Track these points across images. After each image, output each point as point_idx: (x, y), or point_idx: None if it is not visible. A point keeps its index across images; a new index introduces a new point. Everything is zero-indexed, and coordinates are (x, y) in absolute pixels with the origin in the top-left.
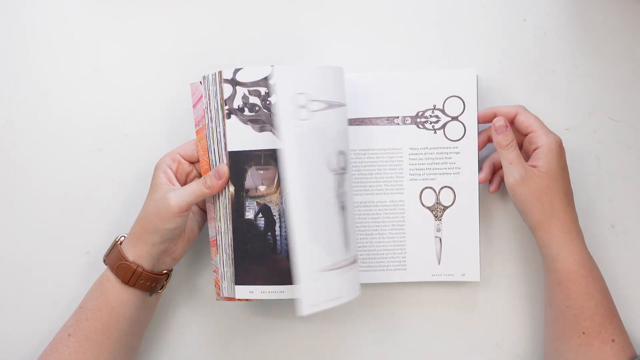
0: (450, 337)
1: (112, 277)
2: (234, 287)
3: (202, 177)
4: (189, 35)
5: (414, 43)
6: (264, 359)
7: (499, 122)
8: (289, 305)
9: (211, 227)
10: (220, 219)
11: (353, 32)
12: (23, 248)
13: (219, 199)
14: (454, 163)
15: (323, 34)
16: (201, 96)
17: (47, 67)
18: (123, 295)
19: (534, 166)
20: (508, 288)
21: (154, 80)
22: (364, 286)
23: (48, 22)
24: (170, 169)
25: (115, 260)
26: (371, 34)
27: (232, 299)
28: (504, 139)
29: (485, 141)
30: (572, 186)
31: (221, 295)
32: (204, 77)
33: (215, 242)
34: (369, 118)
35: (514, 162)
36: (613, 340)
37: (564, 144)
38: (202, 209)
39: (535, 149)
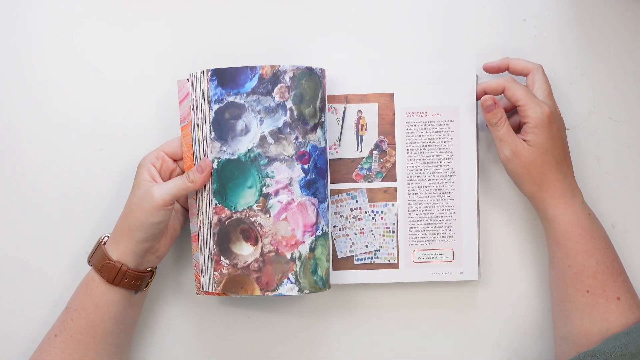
0: (450, 337)
1: (96, 277)
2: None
3: (186, 172)
4: (189, 35)
5: (414, 42)
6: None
7: (486, 101)
8: (271, 300)
9: (193, 222)
10: (202, 214)
11: (352, 32)
12: (23, 248)
13: (201, 194)
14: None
15: (323, 33)
16: (188, 93)
17: (47, 67)
18: (108, 295)
19: (524, 140)
20: (508, 287)
21: (154, 80)
22: (365, 286)
23: (48, 22)
24: (154, 167)
25: (100, 260)
26: (371, 33)
27: (212, 293)
28: (492, 117)
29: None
30: None
31: (201, 289)
32: (191, 75)
33: (196, 237)
34: None
35: (504, 138)
36: (618, 298)
37: None
38: (184, 207)
39: (524, 123)
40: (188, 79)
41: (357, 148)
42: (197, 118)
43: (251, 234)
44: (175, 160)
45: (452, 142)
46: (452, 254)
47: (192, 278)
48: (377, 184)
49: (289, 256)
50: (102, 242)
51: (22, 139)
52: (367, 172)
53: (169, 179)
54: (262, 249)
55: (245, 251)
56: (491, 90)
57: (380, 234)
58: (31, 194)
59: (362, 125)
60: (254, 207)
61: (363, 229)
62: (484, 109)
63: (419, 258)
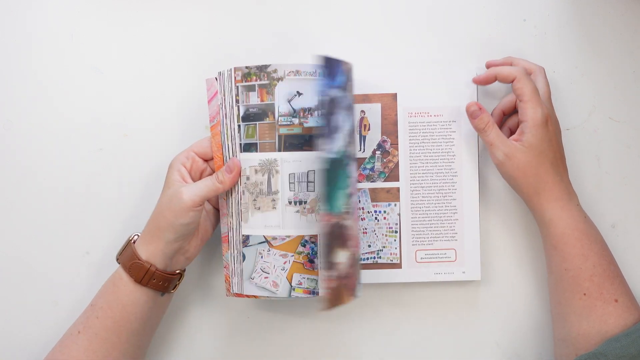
0: (450, 337)
1: (124, 275)
2: (243, 283)
3: (215, 173)
4: (189, 35)
5: (414, 43)
6: (273, 356)
7: (471, 107)
8: (296, 303)
9: (223, 223)
10: (232, 214)
11: (354, 33)
12: (23, 248)
13: (231, 195)
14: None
15: (324, 33)
16: (216, 92)
17: (47, 66)
18: (135, 295)
19: (519, 140)
20: (508, 287)
21: (154, 80)
22: (367, 285)
23: (48, 22)
24: (184, 167)
25: (129, 259)
26: (371, 33)
27: (241, 295)
28: (479, 123)
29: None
30: (571, 181)
31: (231, 291)
32: (219, 73)
33: (227, 238)
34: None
35: (494, 142)
36: (616, 301)
37: (563, 144)
38: (216, 208)
39: (522, 121)
40: (216, 78)
41: (360, 148)
42: (226, 117)
43: (344, 239)
44: (205, 160)
45: (454, 142)
46: (455, 254)
47: (218, 279)
48: (379, 184)
49: (360, 257)
50: (132, 241)
51: (22, 139)
52: (370, 172)
53: (200, 179)
54: (350, 253)
55: (343, 258)
56: (502, 77)
57: (382, 234)
58: (31, 193)
59: (365, 126)
60: (343, 209)
61: (366, 228)
62: (469, 115)
63: (421, 258)
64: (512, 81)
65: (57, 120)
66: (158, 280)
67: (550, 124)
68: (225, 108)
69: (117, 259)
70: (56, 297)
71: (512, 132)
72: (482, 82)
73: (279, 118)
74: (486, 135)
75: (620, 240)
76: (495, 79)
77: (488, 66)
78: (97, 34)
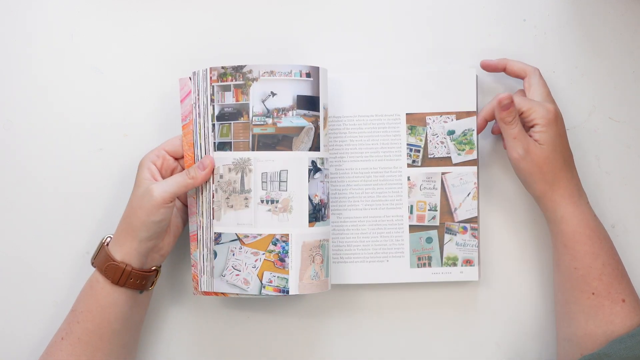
0: (450, 337)
1: (101, 278)
2: (213, 281)
3: (186, 169)
4: (189, 35)
5: (414, 43)
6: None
7: (505, 99)
8: (270, 300)
9: (192, 221)
10: (202, 213)
11: (353, 33)
12: (23, 248)
13: (202, 193)
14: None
15: (323, 34)
16: (190, 91)
17: (47, 67)
18: (113, 296)
19: (532, 137)
20: (507, 288)
21: (154, 80)
22: (365, 286)
23: (48, 22)
24: (155, 165)
25: (103, 261)
26: (371, 34)
27: (210, 293)
28: (508, 116)
29: (484, 123)
30: None
31: (199, 289)
32: (194, 73)
33: (195, 236)
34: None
35: (518, 136)
36: (623, 301)
37: None
38: (185, 205)
39: (533, 125)
40: (190, 78)
41: None
42: (199, 116)
43: None
44: (176, 159)
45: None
46: None
47: (189, 277)
48: None
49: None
50: (105, 243)
51: (22, 139)
52: None
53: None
54: None
55: None
56: (513, 71)
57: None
58: (31, 194)
59: None
60: None
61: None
62: (502, 107)
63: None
64: (523, 77)
65: (57, 120)
66: (135, 279)
67: (560, 119)
68: (199, 107)
69: (92, 263)
70: (56, 297)
71: None
72: (490, 67)
73: (253, 118)
74: (512, 129)
75: (620, 240)
76: (504, 69)
77: (483, 66)
78: (97, 34)
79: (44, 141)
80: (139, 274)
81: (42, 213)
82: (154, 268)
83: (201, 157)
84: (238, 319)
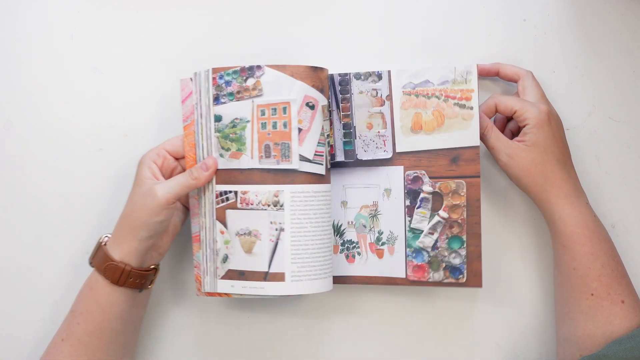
0: (450, 337)
1: (100, 278)
2: (216, 282)
3: (189, 170)
4: (189, 35)
5: (414, 42)
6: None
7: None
8: (271, 300)
9: (194, 222)
10: (205, 214)
11: (352, 32)
12: (23, 248)
13: (204, 194)
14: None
15: (323, 32)
16: (191, 92)
17: (47, 67)
18: (113, 295)
19: (522, 141)
20: (508, 288)
21: (154, 80)
22: (365, 287)
23: (48, 22)
24: (155, 164)
25: (102, 261)
26: (371, 34)
27: (213, 294)
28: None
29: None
30: None
31: (202, 290)
32: (195, 74)
33: (198, 237)
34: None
35: (495, 146)
36: (623, 302)
37: None
38: (184, 204)
39: (524, 126)
40: (191, 78)
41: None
42: (201, 117)
43: None
44: (176, 159)
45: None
46: None
47: (191, 278)
48: None
49: None
50: (103, 243)
51: (22, 139)
52: None
53: (170, 177)
54: None
55: None
56: (506, 75)
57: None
58: (31, 194)
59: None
60: None
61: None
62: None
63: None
64: (516, 80)
65: (57, 120)
66: (135, 279)
67: (553, 120)
68: (200, 108)
69: (90, 263)
70: (56, 297)
71: (514, 135)
72: (484, 72)
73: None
74: (487, 140)
75: (620, 240)
76: (497, 73)
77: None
78: (97, 34)
79: (44, 141)
80: (139, 273)
81: (42, 213)
82: (152, 267)
83: (203, 158)
84: (239, 319)
